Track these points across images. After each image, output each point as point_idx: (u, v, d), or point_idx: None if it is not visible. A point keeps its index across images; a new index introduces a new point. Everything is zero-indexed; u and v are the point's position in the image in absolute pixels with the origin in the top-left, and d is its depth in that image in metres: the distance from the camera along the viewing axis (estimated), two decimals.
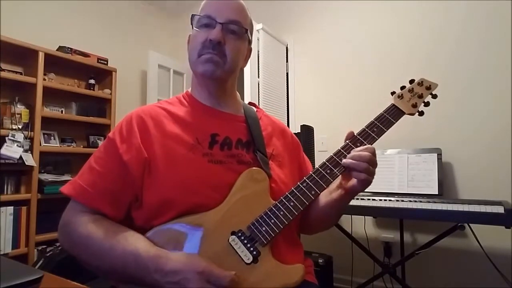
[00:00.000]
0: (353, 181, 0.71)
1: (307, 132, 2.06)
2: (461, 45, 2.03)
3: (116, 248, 0.62)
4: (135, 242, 0.63)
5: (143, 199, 0.68)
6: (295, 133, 0.97)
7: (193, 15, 0.80)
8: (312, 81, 2.64)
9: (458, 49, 2.04)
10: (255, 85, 2.34)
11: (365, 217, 2.21)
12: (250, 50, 0.87)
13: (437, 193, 1.76)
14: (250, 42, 0.85)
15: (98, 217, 0.68)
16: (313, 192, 0.69)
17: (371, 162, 0.69)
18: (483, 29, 1.97)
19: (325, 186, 0.70)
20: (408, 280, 1.90)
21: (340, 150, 0.73)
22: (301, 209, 0.68)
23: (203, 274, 0.57)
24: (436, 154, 1.86)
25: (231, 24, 0.76)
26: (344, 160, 0.71)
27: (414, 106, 0.80)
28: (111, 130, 0.75)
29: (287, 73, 2.76)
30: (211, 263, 0.60)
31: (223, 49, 0.75)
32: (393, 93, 0.83)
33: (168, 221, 0.67)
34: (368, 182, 0.70)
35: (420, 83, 0.83)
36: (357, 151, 0.70)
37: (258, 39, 2.40)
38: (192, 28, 0.81)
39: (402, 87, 0.84)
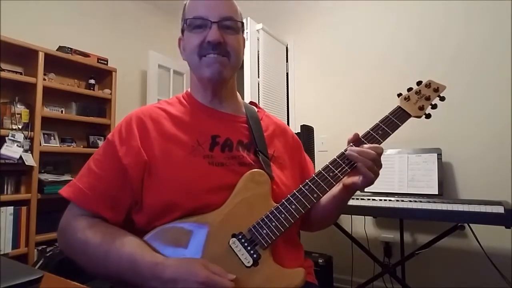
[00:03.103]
0: (354, 179, 0.69)
1: (307, 132, 2.05)
2: (462, 46, 2.03)
3: (111, 255, 0.61)
4: (130, 248, 0.62)
5: (143, 202, 0.68)
6: (295, 133, 0.97)
7: (185, 19, 0.77)
8: (312, 81, 2.64)
9: (458, 49, 2.04)
10: (255, 85, 2.34)
11: (365, 217, 2.21)
12: (244, 40, 0.86)
13: (437, 193, 1.76)
14: (243, 32, 0.83)
15: (97, 221, 0.67)
16: (315, 195, 0.68)
17: (376, 162, 0.67)
18: (483, 29, 1.97)
19: (328, 189, 0.69)
20: (408, 280, 1.90)
21: (343, 153, 0.71)
22: (303, 212, 0.67)
23: (204, 284, 0.55)
24: (436, 154, 1.86)
25: (226, 20, 0.74)
26: (349, 152, 0.69)
27: (421, 108, 0.77)
28: (111, 132, 0.74)
29: (287, 73, 2.76)
30: (210, 271, 0.57)
31: (225, 47, 0.73)
32: (399, 94, 0.80)
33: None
34: (371, 181, 0.68)
35: (428, 85, 0.80)
36: (365, 147, 0.69)
37: (258, 39, 2.40)
38: (183, 32, 0.79)
39: (409, 89, 0.80)
